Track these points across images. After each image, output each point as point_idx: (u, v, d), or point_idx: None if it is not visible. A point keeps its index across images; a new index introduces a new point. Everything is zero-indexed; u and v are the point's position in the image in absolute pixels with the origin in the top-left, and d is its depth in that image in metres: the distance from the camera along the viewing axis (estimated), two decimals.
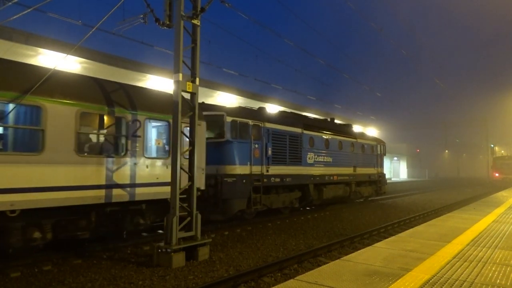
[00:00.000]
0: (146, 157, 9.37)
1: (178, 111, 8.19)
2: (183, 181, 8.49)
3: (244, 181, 12.60)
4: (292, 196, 15.50)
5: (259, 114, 14.34)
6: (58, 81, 8.00)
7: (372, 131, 42.96)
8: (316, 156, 16.82)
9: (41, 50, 15.82)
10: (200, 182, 10.55)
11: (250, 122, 13.28)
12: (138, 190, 9.13)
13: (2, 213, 6.82)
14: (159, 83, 20.10)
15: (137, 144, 9.15)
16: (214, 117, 12.34)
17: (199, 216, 8.60)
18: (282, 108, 30.24)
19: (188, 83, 8.58)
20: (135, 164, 9.08)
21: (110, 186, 8.50)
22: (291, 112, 18.13)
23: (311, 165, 16.42)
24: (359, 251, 6.48)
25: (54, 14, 14.50)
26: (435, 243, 6.95)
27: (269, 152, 13.91)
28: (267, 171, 13.68)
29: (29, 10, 8.93)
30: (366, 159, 21.75)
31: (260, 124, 13.69)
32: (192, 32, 8.80)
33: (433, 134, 73.93)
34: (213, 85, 24.37)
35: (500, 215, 11.14)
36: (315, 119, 20.57)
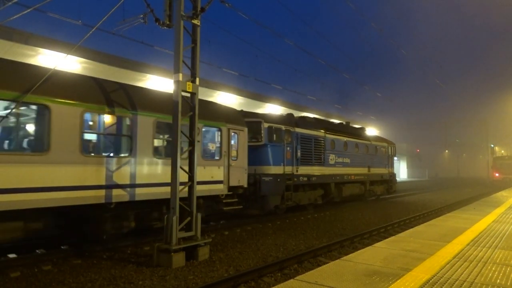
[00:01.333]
0: (203, 159, 10.88)
1: (178, 111, 8.19)
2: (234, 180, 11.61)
3: (278, 179, 14.22)
4: (316, 193, 17.15)
5: (289, 119, 15.92)
6: (144, 97, 9.97)
7: (372, 131, 42.91)
8: (336, 157, 18.56)
9: (41, 50, 15.83)
10: (243, 180, 12.46)
11: (283, 127, 14.91)
12: (199, 187, 10.21)
13: (104, 205, 8.59)
14: (159, 83, 20.10)
15: (197, 148, 10.21)
16: (253, 123, 13.94)
17: (199, 216, 8.60)
18: (282, 108, 30.30)
19: (188, 83, 8.58)
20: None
21: (161, 184, 9.88)
22: (314, 118, 19.64)
23: (332, 165, 18.17)
24: (359, 251, 6.48)
25: (54, 14, 14.48)
26: (435, 243, 6.95)
27: (298, 154, 15.61)
28: (297, 171, 15.39)
29: (29, 10, 8.93)
30: (379, 160, 23.44)
31: (291, 129, 15.36)
32: (192, 32, 8.80)
33: (433, 134, 73.89)
34: (213, 85, 24.37)
35: (500, 215, 11.14)
36: (334, 123, 22.05)
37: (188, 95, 8.79)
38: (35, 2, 9.56)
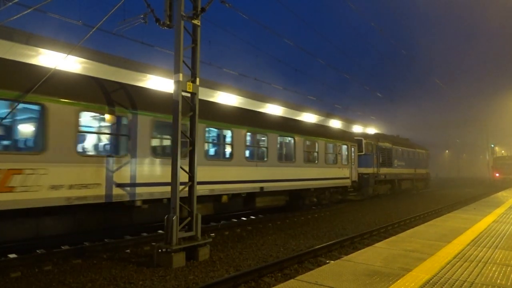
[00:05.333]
0: (342, 164, 19.03)
1: (178, 111, 8.18)
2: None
3: (371, 177, 22.42)
4: (387, 187, 25.58)
5: (373, 136, 25.07)
6: (269, 120, 15.10)
7: (372, 131, 42.89)
8: (397, 162, 27.09)
9: (41, 50, 15.80)
10: (356, 177, 20.54)
11: (373, 142, 23.37)
12: (334, 181, 18.38)
13: (308, 190, 16.56)
14: (159, 83, 20.08)
15: (338, 158, 18.83)
16: (358, 140, 21.80)
17: (199, 216, 8.60)
18: (282, 108, 30.30)
19: (188, 83, 8.57)
20: (338, 168, 18.65)
21: (328, 179, 17.76)
22: (383, 133, 29.43)
23: (395, 167, 26.68)
24: (359, 251, 6.48)
25: (54, 14, 14.47)
26: (436, 243, 6.94)
27: (380, 159, 23.96)
28: (379, 171, 23.58)
29: (29, 10, 8.93)
30: (420, 163, 32.53)
31: (376, 143, 23.74)
32: (193, 32, 8.80)
33: (433, 134, 73.82)
34: (213, 85, 24.34)
35: (501, 215, 11.13)
36: (394, 136, 31.53)
37: (189, 95, 8.79)
38: (35, 2, 9.56)
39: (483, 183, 49.82)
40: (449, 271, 5.17)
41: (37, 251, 8.50)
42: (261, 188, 13.44)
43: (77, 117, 8.34)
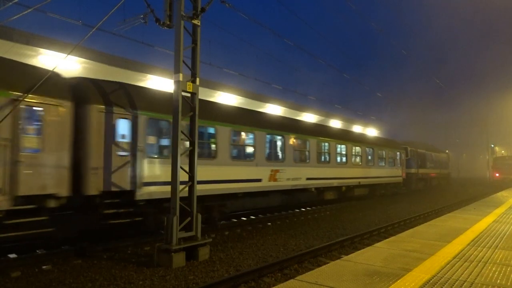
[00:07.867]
0: (397, 166, 26.27)
1: (178, 111, 8.18)
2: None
3: (413, 176, 30.24)
4: (422, 183, 33.16)
5: (414, 144, 32.26)
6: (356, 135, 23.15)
7: (372, 131, 42.93)
8: (429, 163, 35.05)
9: (41, 50, 15.80)
10: (404, 175, 27.26)
11: (414, 149, 30.74)
12: (393, 178, 25.48)
13: (380, 184, 24.01)
14: (159, 83, 20.09)
15: (395, 162, 26.12)
16: (405, 148, 28.85)
17: (199, 216, 8.60)
18: (283, 108, 30.35)
19: (188, 83, 8.57)
20: (395, 169, 26.04)
21: (390, 177, 25.06)
22: (416, 141, 36.37)
23: (428, 168, 34.58)
24: (359, 251, 6.48)
25: (54, 14, 14.47)
26: (436, 243, 6.94)
27: (419, 162, 31.68)
28: (418, 171, 31.32)
29: (29, 10, 8.92)
30: (443, 164, 41.04)
31: (417, 150, 31.41)
32: (193, 32, 8.80)
33: (433, 134, 73.76)
34: (213, 85, 24.34)
35: (500, 215, 11.13)
36: (426, 143, 40.04)
37: (189, 95, 8.78)
38: (35, 2, 9.56)
39: (483, 183, 49.79)
40: (449, 271, 5.17)
41: (37, 251, 8.51)
42: (359, 182, 20.78)
43: (291, 141, 15.26)
